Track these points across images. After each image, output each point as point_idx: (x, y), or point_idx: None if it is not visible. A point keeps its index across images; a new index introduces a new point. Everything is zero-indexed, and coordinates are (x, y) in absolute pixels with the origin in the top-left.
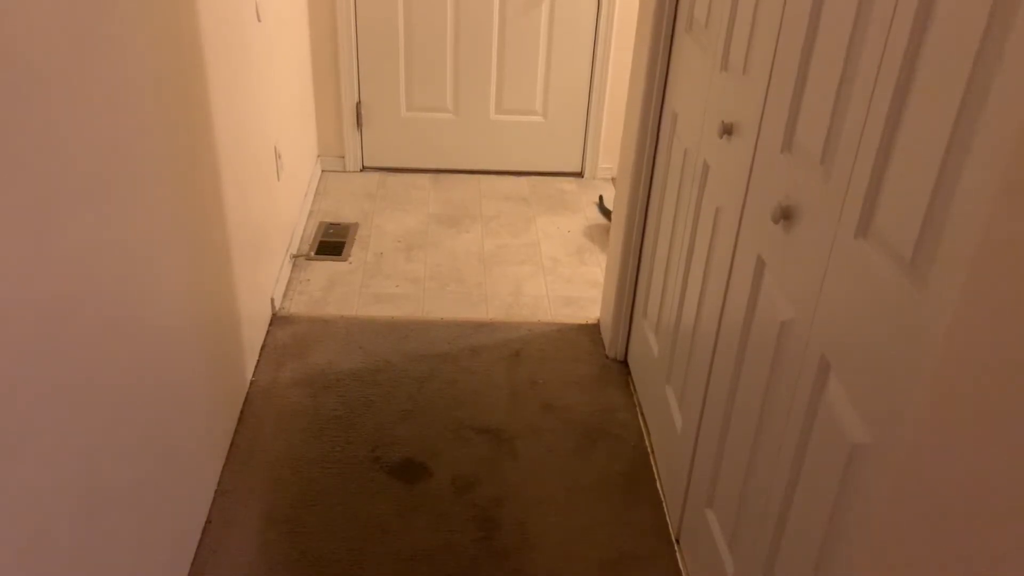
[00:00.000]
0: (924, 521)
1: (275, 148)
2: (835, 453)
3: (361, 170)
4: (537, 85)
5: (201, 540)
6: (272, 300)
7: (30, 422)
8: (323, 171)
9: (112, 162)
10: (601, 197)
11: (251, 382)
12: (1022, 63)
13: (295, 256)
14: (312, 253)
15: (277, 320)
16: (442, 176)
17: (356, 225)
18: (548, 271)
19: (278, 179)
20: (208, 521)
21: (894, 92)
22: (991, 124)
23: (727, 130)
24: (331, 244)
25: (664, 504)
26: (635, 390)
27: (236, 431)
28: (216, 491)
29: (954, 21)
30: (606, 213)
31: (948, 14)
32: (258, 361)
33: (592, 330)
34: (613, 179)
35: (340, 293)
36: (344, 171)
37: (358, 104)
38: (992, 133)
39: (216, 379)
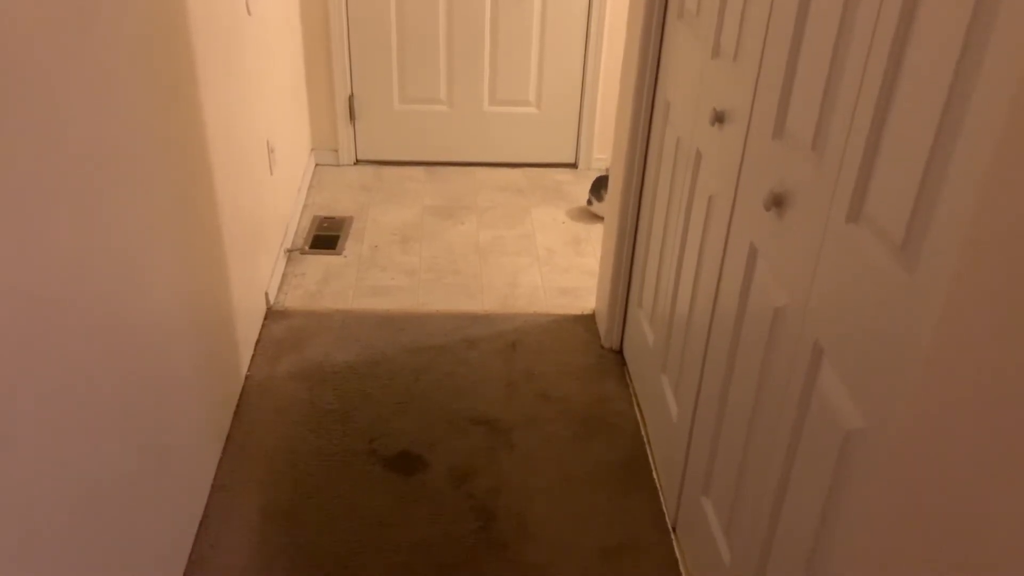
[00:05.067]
0: (918, 506)
1: (268, 142)
2: (829, 439)
3: (355, 163)
4: (530, 76)
5: (198, 534)
6: (267, 294)
7: (24, 418)
8: (316, 165)
9: (101, 158)
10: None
11: (246, 376)
12: (1009, 48)
13: (289, 250)
14: (306, 247)
15: (272, 314)
16: (436, 168)
17: (351, 218)
18: (544, 262)
19: (271, 173)
20: (205, 515)
21: (884, 76)
22: (980, 108)
23: (719, 118)
24: (325, 238)
25: (660, 493)
26: (631, 380)
27: (232, 425)
28: (212, 486)
29: (942, 5)
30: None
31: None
32: (253, 355)
33: (588, 320)
34: (607, 169)
35: (335, 287)
36: (338, 164)
37: (351, 97)
38: (981, 116)
39: (211, 374)
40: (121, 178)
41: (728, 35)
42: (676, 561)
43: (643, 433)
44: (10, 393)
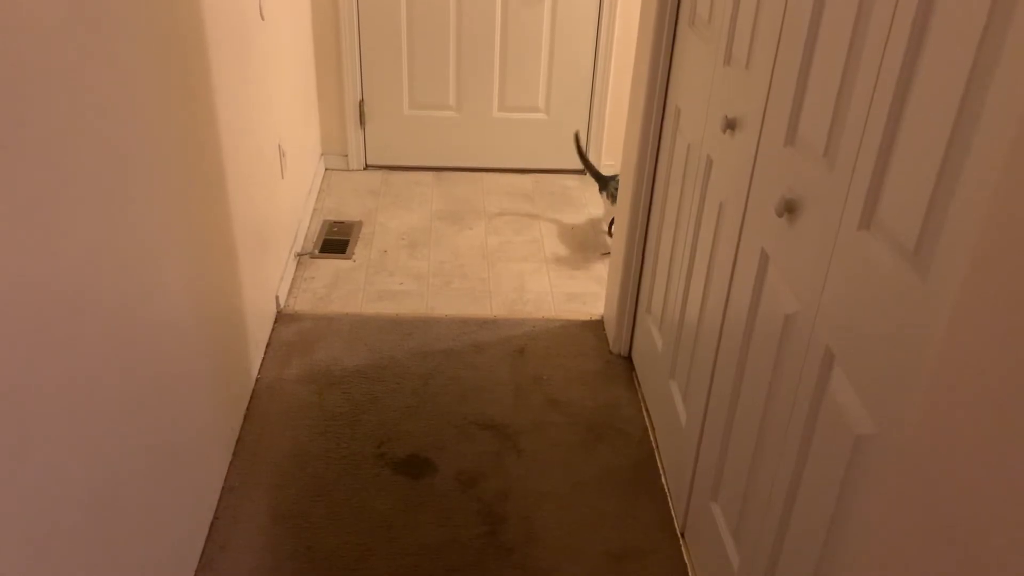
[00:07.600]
0: (928, 511)
1: (279, 146)
2: (840, 444)
3: (364, 168)
4: (540, 82)
5: (208, 536)
6: (277, 298)
7: (37, 421)
8: (326, 169)
9: (116, 161)
10: (576, 134)
11: (256, 379)
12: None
13: (299, 254)
14: (316, 251)
15: (282, 318)
16: (445, 174)
17: (360, 223)
18: (552, 267)
19: (282, 177)
20: (215, 517)
21: (897, 84)
22: (993, 115)
23: (730, 124)
24: (335, 242)
25: (669, 498)
26: (639, 385)
27: (242, 428)
28: (223, 487)
29: (956, 13)
30: (583, 154)
31: (950, 6)
32: (263, 358)
33: (596, 326)
34: (616, 175)
35: (344, 291)
36: (347, 169)
37: (361, 102)
38: (994, 124)
39: (222, 376)
40: (135, 180)
41: (740, 43)
42: (685, 567)
43: (652, 438)
44: (22, 393)
